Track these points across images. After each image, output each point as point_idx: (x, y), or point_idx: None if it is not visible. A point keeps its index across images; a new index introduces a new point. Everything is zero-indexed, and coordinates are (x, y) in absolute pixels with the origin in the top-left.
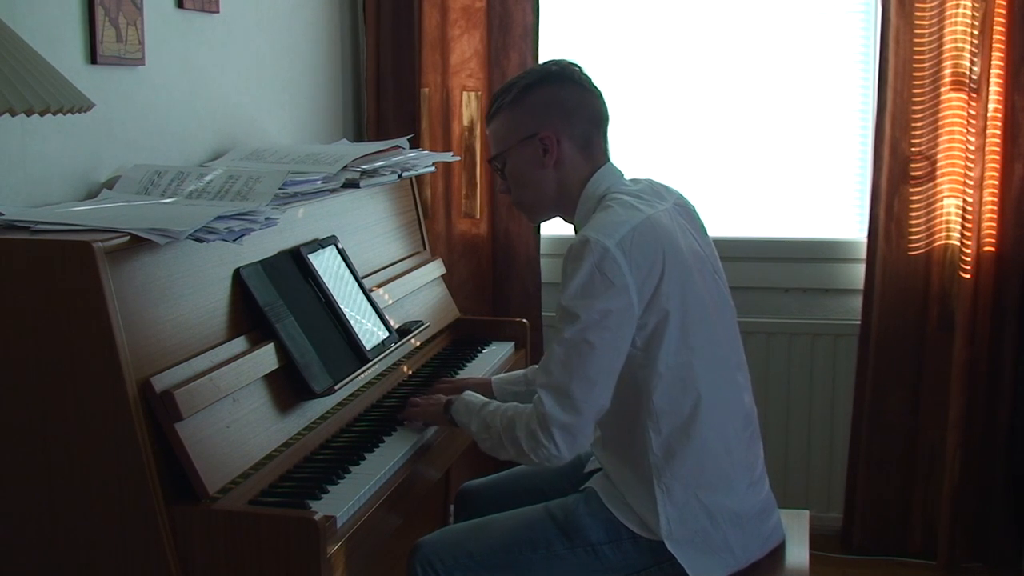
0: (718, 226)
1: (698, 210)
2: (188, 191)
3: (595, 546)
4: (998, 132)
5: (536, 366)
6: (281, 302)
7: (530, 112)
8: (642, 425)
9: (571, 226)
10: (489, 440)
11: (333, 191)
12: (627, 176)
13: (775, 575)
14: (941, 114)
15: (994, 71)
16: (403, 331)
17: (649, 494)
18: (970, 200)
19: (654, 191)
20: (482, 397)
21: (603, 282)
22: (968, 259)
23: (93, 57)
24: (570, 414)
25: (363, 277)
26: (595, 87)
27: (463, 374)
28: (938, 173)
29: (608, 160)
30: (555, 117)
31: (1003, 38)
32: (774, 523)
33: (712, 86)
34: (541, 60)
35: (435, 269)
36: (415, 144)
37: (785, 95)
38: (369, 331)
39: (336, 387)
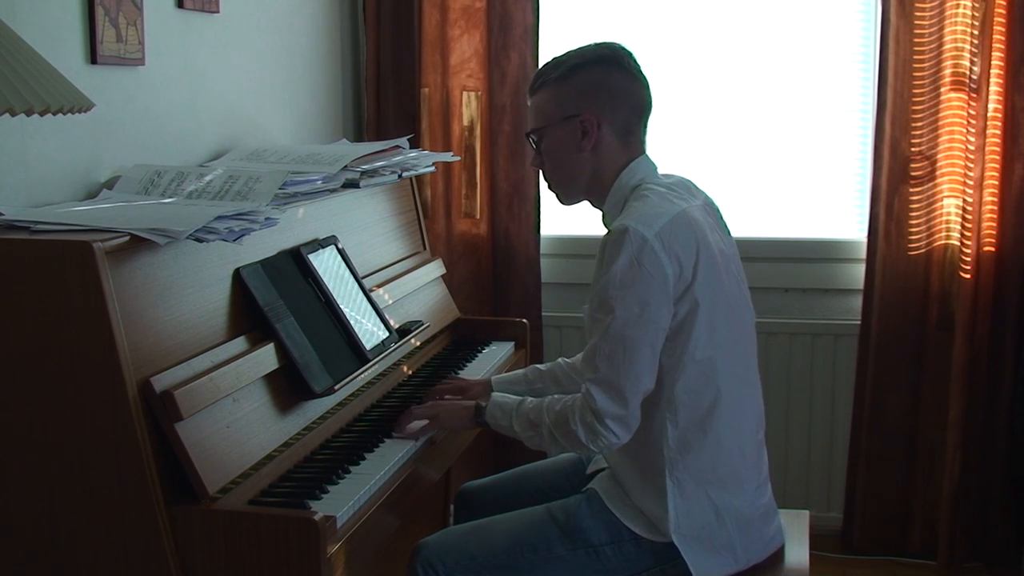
0: None
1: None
2: (188, 191)
3: (596, 547)
4: (998, 132)
5: (537, 366)
6: (281, 302)
7: (575, 92)
8: (660, 415)
9: (570, 224)
10: (537, 437)
11: (333, 191)
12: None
13: (775, 575)
14: (941, 114)
15: (994, 71)
16: (403, 331)
17: (659, 488)
18: (970, 200)
19: (685, 187)
20: (513, 396)
21: (641, 272)
22: (968, 259)
23: (93, 57)
24: (621, 405)
25: (363, 277)
26: (643, 76)
27: (463, 374)
28: (938, 173)
29: (644, 151)
30: (600, 101)
31: (1003, 38)
32: (776, 527)
33: (712, 86)
34: (541, 60)
35: (435, 269)
36: (415, 144)
37: (785, 95)
38: (369, 331)
39: (336, 387)
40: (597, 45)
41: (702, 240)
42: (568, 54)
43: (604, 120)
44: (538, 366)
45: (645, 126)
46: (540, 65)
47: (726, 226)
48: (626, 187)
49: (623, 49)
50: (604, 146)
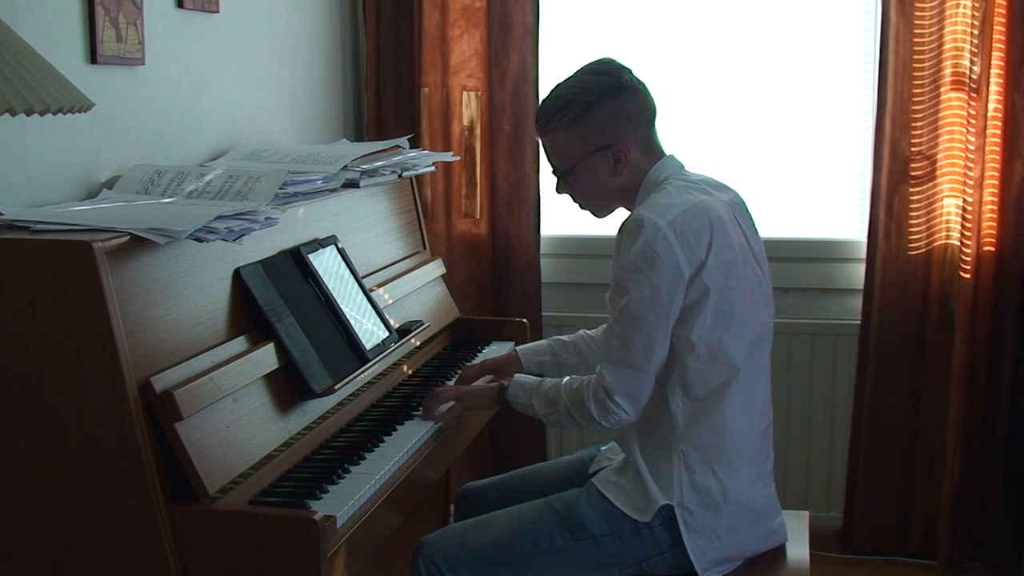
0: None
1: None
2: (188, 191)
3: (596, 538)
4: (998, 132)
5: (560, 337)
6: (281, 302)
7: (597, 126)
8: (672, 389)
9: (570, 223)
10: (555, 415)
11: (333, 191)
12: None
13: (775, 575)
14: (941, 114)
15: (994, 71)
16: (403, 331)
17: (667, 460)
18: (970, 200)
19: (711, 183)
20: (534, 377)
21: (654, 259)
22: (968, 259)
23: (93, 57)
24: (630, 383)
25: (363, 277)
26: (642, 83)
27: None
28: (938, 173)
29: (664, 151)
30: (623, 127)
31: (1003, 38)
32: (778, 523)
33: (712, 86)
34: (541, 60)
35: (435, 269)
36: (415, 144)
37: (785, 95)
38: (369, 331)
39: (336, 387)
40: (597, 74)
41: (717, 230)
42: (574, 90)
43: (631, 143)
44: (561, 337)
45: (655, 127)
46: (539, 67)
47: (754, 225)
48: (653, 184)
49: (621, 67)
50: (633, 163)
